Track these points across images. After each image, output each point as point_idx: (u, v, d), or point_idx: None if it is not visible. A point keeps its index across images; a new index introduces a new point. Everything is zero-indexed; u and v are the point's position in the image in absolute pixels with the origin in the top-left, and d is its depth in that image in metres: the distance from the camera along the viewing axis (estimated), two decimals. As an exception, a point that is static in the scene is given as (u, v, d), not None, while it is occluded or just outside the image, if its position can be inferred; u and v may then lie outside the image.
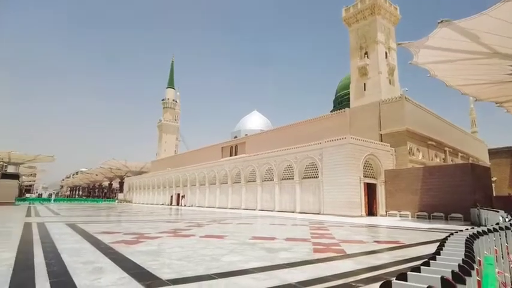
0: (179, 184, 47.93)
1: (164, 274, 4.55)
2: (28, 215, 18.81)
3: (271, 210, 29.34)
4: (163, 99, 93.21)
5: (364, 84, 34.81)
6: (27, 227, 11.39)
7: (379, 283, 1.84)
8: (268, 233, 10.94)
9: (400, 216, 22.49)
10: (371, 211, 24.23)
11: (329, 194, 24.20)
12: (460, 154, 35.21)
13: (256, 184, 32.49)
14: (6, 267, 4.84)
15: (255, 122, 62.05)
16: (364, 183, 23.79)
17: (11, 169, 50.88)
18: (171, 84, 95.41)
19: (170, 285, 4.02)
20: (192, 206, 42.36)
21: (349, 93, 38.08)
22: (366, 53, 35.37)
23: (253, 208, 32.16)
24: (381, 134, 28.22)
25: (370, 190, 24.44)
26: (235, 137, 54.91)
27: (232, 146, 47.94)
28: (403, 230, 13.11)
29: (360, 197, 23.10)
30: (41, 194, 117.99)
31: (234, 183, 36.47)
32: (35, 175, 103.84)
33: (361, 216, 22.40)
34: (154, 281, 4.17)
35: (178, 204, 46.09)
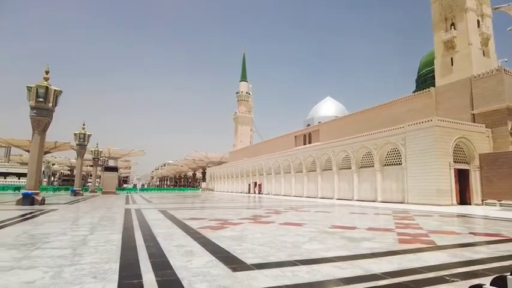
0: (255, 173, 49.35)
1: (248, 259, 4.77)
2: (127, 202, 21.33)
3: (350, 199, 28.48)
4: (237, 92, 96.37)
5: (452, 58, 31.19)
6: (128, 212, 12.95)
7: (481, 279, 1.66)
8: (348, 222, 10.66)
9: (501, 206, 19.91)
10: (463, 200, 21.93)
11: (414, 181, 22.51)
12: None
13: (332, 172, 31.81)
14: (116, 247, 5.59)
15: (328, 108, 60.37)
16: (455, 169, 21.58)
17: (111, 163, 58.36)
18: (243, 78, 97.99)
19: (254, 269, 4.20)
20: (268, 194, 43.36)
21: (433, 71, 34.60)
22: (452, 24, 31.56)
23: (330, 197, 31.61)
24: (473, 114, 25.13)
25: (462, 177, 22.09)
26: (308, 125, 54.24)
27: (305, 135, 47.52)
28: (505, 221, 11.58)
29: (449, 184, 21.05)
30: (136, 184, 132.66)
31: (309, 172, 36.22)
32: (130, 168, 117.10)
33: (452, 205, 20.43)
34: (240, 265, 4.40)
35: (255, 193, 47.60)
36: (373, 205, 21.32)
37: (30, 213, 11.71)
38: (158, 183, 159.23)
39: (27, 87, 16.23)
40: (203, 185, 77.17)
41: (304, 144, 45.73)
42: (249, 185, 51.31)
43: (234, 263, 4.49)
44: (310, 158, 35.90)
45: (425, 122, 22.25)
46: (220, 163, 77.73)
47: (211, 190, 68.17)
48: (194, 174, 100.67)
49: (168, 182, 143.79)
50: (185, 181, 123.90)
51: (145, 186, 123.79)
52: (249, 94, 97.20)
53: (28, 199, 15.41)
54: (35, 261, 4.45)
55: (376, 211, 15.89)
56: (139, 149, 77.72)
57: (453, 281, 3.76)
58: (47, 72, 16.84)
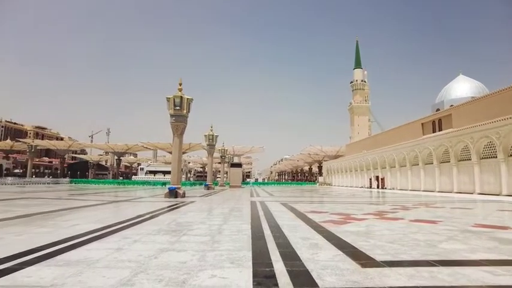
0: (377, 166, 46.52)
1: (377, 255, 4.55)
2: (251, 195, 22.93)
3: (496, 194, 24.18)
4: (351, 82, 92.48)
5: None
6: (253, 205, 13.93)
7: None
8: (497, 221, 9.06)
9: None
10: None
11: None
12: None
13: (471, 163, 27.51)
14: (247, 236, 6.09)
15: (461, 88, 52.36)
16: None
17: (235, 159, 63.75)
18: (358, 65, 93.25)
19: (385, 266, 3.98)
20: (393, 189, 40.32)
21: None
22: None
23: (469, 191, 27.42)
24: None
25: None
26: (438, 109, 48.11)
27: (434, 121, 42.15)
28: None
29: None
30: (257, 179, 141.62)
31: (441, 164, 32.16)
32: (251, 163, 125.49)
33: None
34: (369, 261, 4.24)
35: (378, 187, 44.87)
36: (531, 201, 17.55)
37: (175, 204, 13.76)
38: (277, 177, 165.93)
39: (167, 98, 19.06)
40: (320, 179, 76.83)
41: (434, 131, 40.66)
42: (370, 179, 48.63)
43: (362, 259, 4.34)
44: (442, 148, 31.76)
45: None
46: (336, 157, 75.97)
47: (329, 184, 67.30)
48: (310, 169, 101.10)
49: (286, 177, 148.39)
50: (302, 175, 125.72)
51: (266, 181, 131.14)
52: (365, 82, 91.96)
53: (173, 193, 18.15)
54: (184, 245, 5.23)
55: (536, 208, 13.04)
56: (258, 146, 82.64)
57: None
58: (180, 84, 19.41)
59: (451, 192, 29.39)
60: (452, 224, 8.01)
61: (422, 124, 44.08)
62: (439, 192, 30.84)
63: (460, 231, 6.91)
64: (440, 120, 40.73)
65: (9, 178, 51.15)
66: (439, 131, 39.09)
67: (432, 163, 33.32)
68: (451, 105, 43.09)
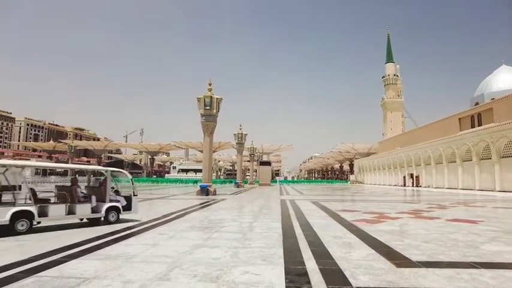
0: (411, 164, 44.84)
1: (413, 255, 4.42)
2: (281, 193, 22.89)
3: (545, 192, 22.53)
4: (383, 76, 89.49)
5: None
6: (283, 203, 13.91)
7: None
8: (546, 221, 8.48)
9: None
10: None
11: None
12: None
13: (515, 159, 25.80)
14: (277, 234, 6.12)
15: (504, 80, 49.19)
16: None
17: (264, 158, 63.89)
18: (389, 59, 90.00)
19: (421, 267, 3.86)
20: (428, 187, 38.71)
21: None
22: None
23: (513, 189, 25.76)
24: None
25: None
26: (477, 103, 45.55)
27: (473, 116, 39.90)
28: None
29: None
30: (286, 177, 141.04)
31: (481, 160, 30.45)
32: (280, 161, 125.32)
33: None
34: (404, 261, 4.12)
35: (412, 185, 43.28)
36: None
37: (207, 202, 14.03)
38: (306, 175, 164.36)
39: (197, 98, 19.46)
40: (352, 177, 75.20)
41: (472, 127, 38.54)
42: (404, 177, 46.98)
43: (397, 259, 4.23)
44: (482, 143, 30.05)
45: None
46: (368, 154, 73.96)
47: (361, 183, 65.74)
48: (341, 167, 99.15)
49: (316, 175, 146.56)
50: (332, 174, 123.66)
51: (295, 179, 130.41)
52: (397, 76, 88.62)
53: (204, 191, 18.52)
54: (217, 242, 5.34)
55: None
56: (287, 144, 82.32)
57: None
58: (210, 84, 19.79)
59: (492, 190, 27.76)
60: (494, 225, 7.60)
61: (459, 119, 41.92)
62: (478, 190, 29.24)
63: (504, 232, 6.55)
64: (479, 114, 38.52)
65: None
66: (479, 126, 36.99)
67: (471, 160, 31.62)
68: (492, 99, 40.59)
